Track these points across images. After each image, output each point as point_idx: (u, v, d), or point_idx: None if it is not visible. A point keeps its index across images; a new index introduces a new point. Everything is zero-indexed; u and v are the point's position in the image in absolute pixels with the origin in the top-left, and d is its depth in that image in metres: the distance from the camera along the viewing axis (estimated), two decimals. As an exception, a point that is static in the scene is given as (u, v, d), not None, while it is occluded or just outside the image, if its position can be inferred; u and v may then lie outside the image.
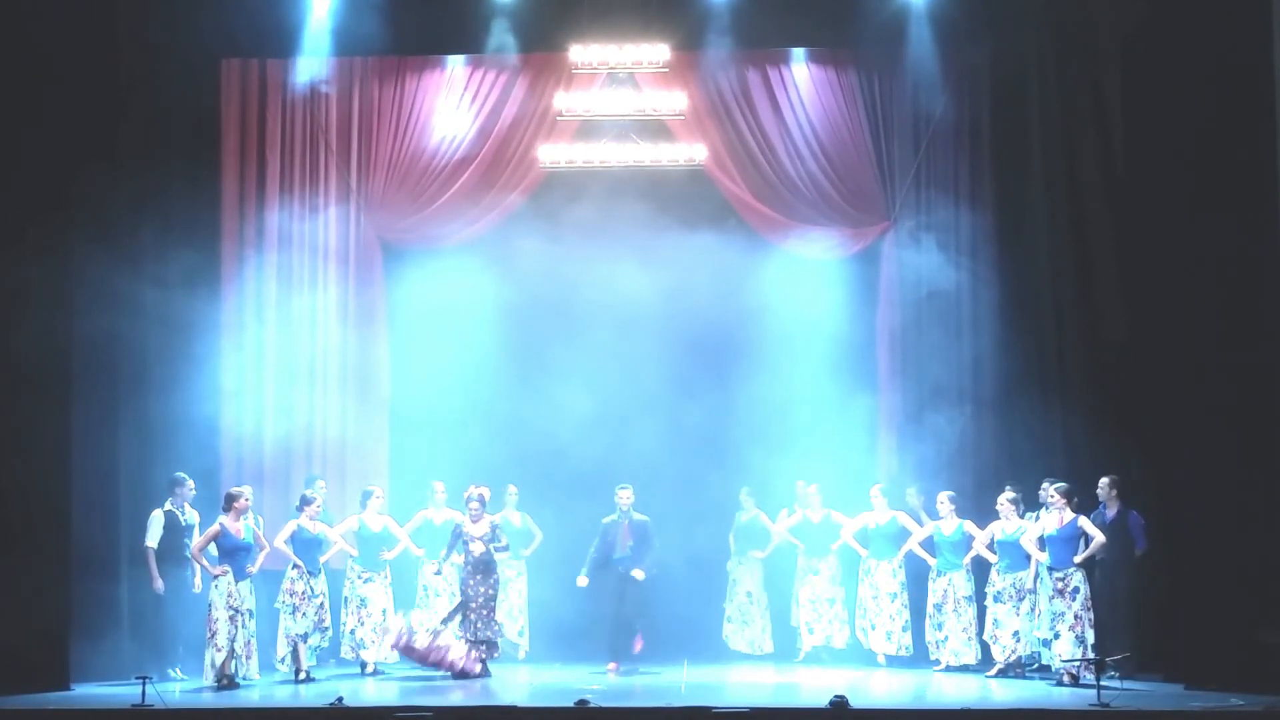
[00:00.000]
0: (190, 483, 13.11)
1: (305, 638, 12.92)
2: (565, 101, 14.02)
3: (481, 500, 13.22)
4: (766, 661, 13.99)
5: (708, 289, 14.62)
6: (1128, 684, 11.66)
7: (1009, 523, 12.87)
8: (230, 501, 12.71)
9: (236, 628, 12.42)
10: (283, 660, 12.97)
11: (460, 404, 14.41)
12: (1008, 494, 12.99)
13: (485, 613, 12.98)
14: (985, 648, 13.08)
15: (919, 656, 13.52)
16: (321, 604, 13.08)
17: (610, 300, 14.59)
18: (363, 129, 14.71)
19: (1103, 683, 11.30)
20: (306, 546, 13.04)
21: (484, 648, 12.93)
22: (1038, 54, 14.35)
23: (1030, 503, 13.13)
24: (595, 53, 13.79)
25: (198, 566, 12.72)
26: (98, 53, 13.53)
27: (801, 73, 14.59)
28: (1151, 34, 13.17)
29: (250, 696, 12.04)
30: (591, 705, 10.76)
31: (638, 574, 13.11)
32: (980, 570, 13.20)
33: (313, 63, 14.47)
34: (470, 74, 14.63)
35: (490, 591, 13.03)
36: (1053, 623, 12.34)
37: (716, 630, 14.31)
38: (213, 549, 12.55)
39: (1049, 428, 13.87)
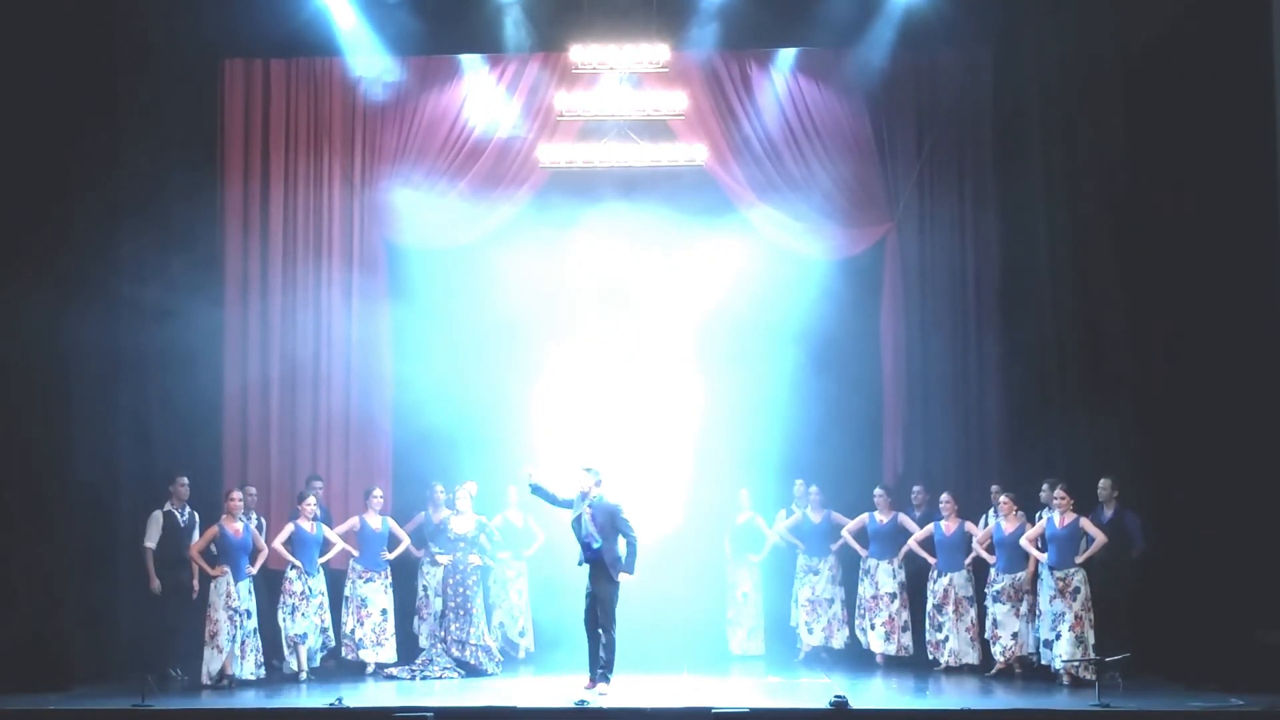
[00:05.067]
0: (186, 482, 13.04)
1: (304, 638, 12.93)
2: (566, 101, 14.00)
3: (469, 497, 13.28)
4: (757, 661, 13.94)
5: (710, 288, 14.59)
6: (1127, 684, 11.64)
7: (1008, 522, 12.86)
8: (229, 502, 12.73)
9: (235, 628, 12.45)
10: (282, 661, 12.99)
11: (463, 404, 14.38)
12: (1007, 494, 13.00)
13: (461, 614, 13.00)
14: (985, 647, 13.06)
15: (919, 656, 13.50)
16: (320, 604, 13.10)
17: (612, 299, 14.62)
18: (366, 129, 14.72)
19: (1103, 683, 11.30)
20: (305, 547, 13.05)
21: (461, 649, 12.93)
22: (1039, 53, 14.33)
23: (1032, 503, 13.11)
24: (595, 53, 13.75)
25: (196, 567, 12.74)
26: (98, 54, 13.55)
27: (803, 73, 14.55)
28: (1152, 33, 13.18)
29: (250, 696, 12.06)
30: (591, 706, 10.75)
31: (625, 576, 11.80)
32: (980, 570, 13.19)
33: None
34: (473, 73, 14.62)
35: (467, 593, 13.03)
36: (1053, 623, 12.32)
37: (716, 633, 14.25)
38: (212, 549, 12.58)
39: (1050, 428, 13.85)
